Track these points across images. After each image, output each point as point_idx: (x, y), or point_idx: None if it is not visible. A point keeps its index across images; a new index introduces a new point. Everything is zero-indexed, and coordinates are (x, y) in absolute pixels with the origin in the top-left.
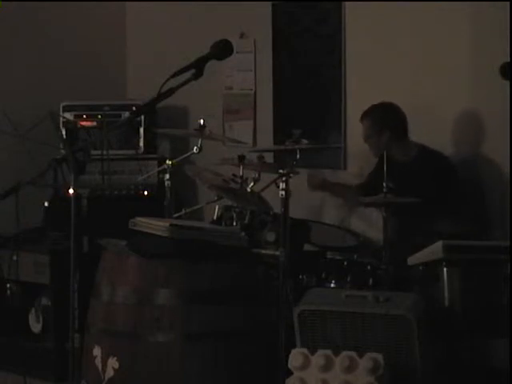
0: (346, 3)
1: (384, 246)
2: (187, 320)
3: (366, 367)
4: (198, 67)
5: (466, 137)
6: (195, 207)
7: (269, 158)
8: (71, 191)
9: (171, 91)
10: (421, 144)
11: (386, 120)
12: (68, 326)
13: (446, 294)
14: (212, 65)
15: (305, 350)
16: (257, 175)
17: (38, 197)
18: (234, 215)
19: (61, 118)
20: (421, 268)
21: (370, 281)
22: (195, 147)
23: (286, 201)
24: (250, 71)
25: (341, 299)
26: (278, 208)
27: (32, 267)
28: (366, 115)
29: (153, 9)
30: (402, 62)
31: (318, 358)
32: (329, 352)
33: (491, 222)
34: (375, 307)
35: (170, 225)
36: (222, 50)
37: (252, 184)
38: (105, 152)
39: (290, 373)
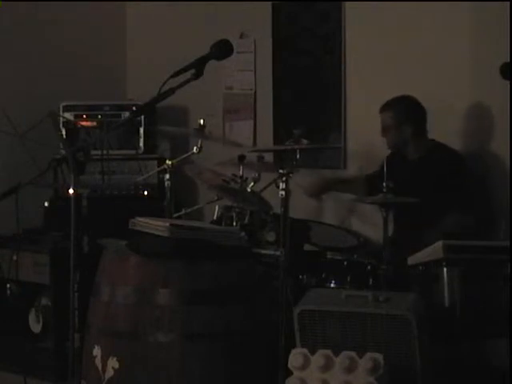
0: (346, 3)
1: (384, 246)
2: (187, 320)
3: (365, 367)
4: (198, 67)
5: (466, 136)
6: (195, 207)
7: (269, 157)
8: (71, 191)
9: (171, 91)
10: (432, 140)
11: (410, 114)
12: (68, 326)
13: (446, 294)
14: (212, 65)
15: (305, 350)
16: (257, 175)
17: (38, 197)
18: (234, 215)
19: (61, 118)
20: (421, 268)
21: (370, 281)
22: (195, 147)
23: (286, 201)
24: (250, 71)
25: (341, 299)
26: (278, 208)
27: (32, 267)
28: (389, 106)
29: (153, 9)
30: (401, 62)
31: (318, 358)
32: (329, 352)
33: (496, 220)
34: (375, 307)
35: (170, 225)
36: (222, 49)
37: (252, 184)
38: (105, 152)
39: (290, 373)
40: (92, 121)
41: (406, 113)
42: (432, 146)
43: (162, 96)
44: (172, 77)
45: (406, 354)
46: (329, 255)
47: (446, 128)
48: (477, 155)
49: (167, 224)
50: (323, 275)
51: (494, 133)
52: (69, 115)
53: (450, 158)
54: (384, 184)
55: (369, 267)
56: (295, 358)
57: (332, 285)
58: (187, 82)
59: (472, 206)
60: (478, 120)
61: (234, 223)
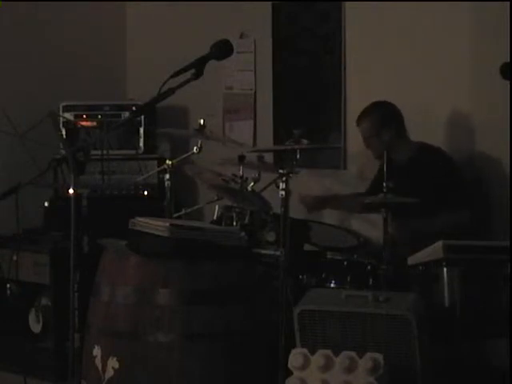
0: (346, 3)
1: (384, 246)
2: (187, 320)
3: (365, 367)
4: (198, 67)
5: (465, 137)
6: (195, 207)
7: (269, 158)
8: (71, 191)
9: (171, 91)
10: (420, 142)
11: (385, 119)
12: (68, 326)
13: (446, 294)
14: (212, 65)
15: (305, 350)
16: (257, 175)
17: (38, 197)
18: (234, 215)
19: (61, 118)
20: (421, 268)
21: (370, 281)
22: (195, 147)
23: (285, 201)
24: (250, 71)
25: (341, 299)
26: (278, 208)
27: (32, 267)
28: (364, 116)
29: (153, 9)
30: (402, 62)
31: (317, 358)
32: (329, 352)
33: (493, 221)
34: (375, 307)
35: (170, 225)
36: (222, 49)
37: (252, 184)
38: (105, 152)
39: (290, 373)
40: (92, 121)
41: (381, 118)
42: (420, 146)
43: (162, 96)
44: (172, 77)
45: (406, 354)
46: (329, 255)
47: (445, 128)
48: (476, 155)
49: (167, 224)
50: (323, 275)
51: (492, 134)
52: (69, 115)
53: (443, 159)
54: (384, 184)
55: (369, 267)
56: (295, 357)
57: (332, 285)
58: (187, 82)
59: (470, 205)
60: (470, 123)
61: (234, 223)
